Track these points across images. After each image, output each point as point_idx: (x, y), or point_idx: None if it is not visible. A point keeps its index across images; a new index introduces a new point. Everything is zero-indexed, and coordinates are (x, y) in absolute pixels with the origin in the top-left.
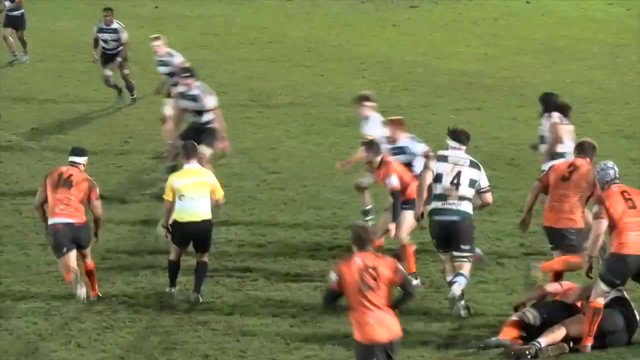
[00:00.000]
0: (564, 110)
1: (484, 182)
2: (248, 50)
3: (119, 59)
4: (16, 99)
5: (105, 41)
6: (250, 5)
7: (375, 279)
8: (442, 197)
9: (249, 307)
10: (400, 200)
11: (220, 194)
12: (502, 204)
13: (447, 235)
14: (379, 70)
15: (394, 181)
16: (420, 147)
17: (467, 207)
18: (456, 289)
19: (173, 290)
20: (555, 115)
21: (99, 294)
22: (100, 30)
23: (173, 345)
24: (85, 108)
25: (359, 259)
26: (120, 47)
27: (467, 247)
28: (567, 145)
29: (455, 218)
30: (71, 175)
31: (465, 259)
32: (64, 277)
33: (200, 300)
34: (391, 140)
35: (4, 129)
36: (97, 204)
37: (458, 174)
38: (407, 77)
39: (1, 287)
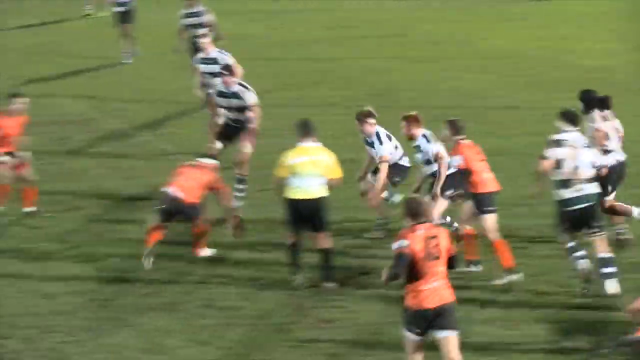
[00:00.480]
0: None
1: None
2: (371, 45)
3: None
4: (137, 92)
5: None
6: None
7: (437, 248)
8: (567, 183)
9: (376, 305)
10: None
11: (335, 174)
12: None
13: (580, 221)
14: (506, 65)
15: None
16: (433, 147)
17: (591, 188)
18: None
19: (297, 277)
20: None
21: None
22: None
23: (298, 343)
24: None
25: (420, 229)
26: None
27: (599, 224)
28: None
29: (586, 205)
30: None
31: (599, 234)
32: None
33: (333, 287)
34: (409, 136)
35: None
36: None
37: (578, 157)
38: (534, 72)
39: (125, 282)
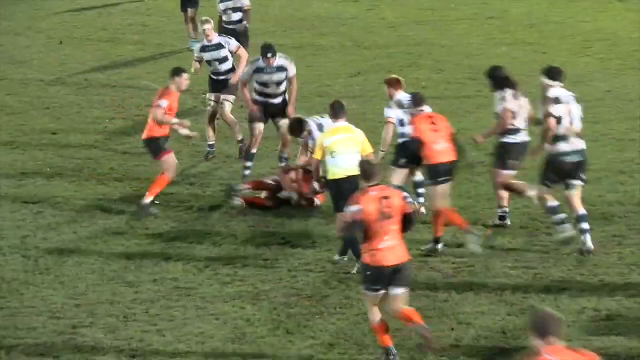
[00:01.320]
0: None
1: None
2: (467, 27)
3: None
4: None
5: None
6: None
7: (390, 208)
8: (565, 138)
9: (464, 295)
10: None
11: (369, 149)
12: None
13: (570, 172)
14: (605, 48)
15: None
16: (390, 112)
17: (582, 143)
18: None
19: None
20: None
21: None
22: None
23: None
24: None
25: (373, 191)
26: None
27: (585, 177)
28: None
29: (579, 158)
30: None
31: (581, 186)
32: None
33: None
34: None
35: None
36: None
37: (571, 112)
38: (635, 55)
39: (209, 270)
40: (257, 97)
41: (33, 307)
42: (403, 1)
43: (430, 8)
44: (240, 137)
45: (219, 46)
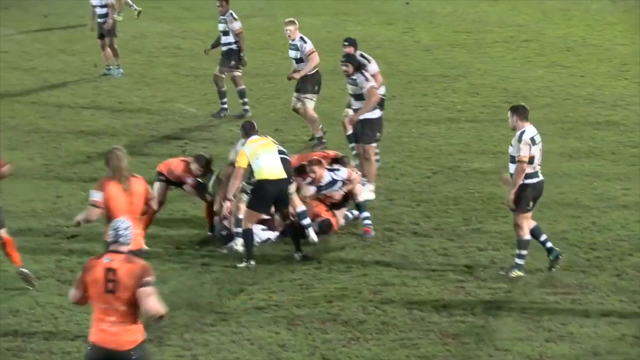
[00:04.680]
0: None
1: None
2: (503, 49)
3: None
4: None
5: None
6: (505, 2)
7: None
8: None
9: (502, 321)
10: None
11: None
12: None
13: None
14: None
15: None
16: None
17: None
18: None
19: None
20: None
21: None
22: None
23: (423, 359)
24: (329, 108)
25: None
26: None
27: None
28: None
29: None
30: None
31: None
32: None
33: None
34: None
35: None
36: None
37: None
38: None
39: (244, 294)
40: None
41: (67, 330)
42: (438, 24)
43: (465, 31)
44: (319, 134)
45: (295, 47)
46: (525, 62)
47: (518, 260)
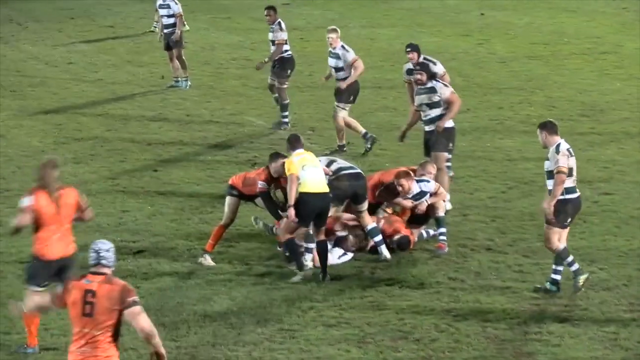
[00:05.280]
0: None
1: None
2: (580, 62)
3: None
4: None
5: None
6: (583, 13)
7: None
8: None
9: (578, 339)
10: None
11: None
12: None
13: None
14: None
15: None
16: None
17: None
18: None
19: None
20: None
21: None
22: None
23: None
24: (402, 121)
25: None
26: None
27: None
28: None
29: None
30: None
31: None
32: None
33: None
34: None
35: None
36: None
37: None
38: None
39: (313, 312)
40: None
41: (133, 348)
42: (514, 35)
43: (542, 42)
44: (342, 143)
45: (336, 56)
46: (603, 75)
47: (572, 268)
